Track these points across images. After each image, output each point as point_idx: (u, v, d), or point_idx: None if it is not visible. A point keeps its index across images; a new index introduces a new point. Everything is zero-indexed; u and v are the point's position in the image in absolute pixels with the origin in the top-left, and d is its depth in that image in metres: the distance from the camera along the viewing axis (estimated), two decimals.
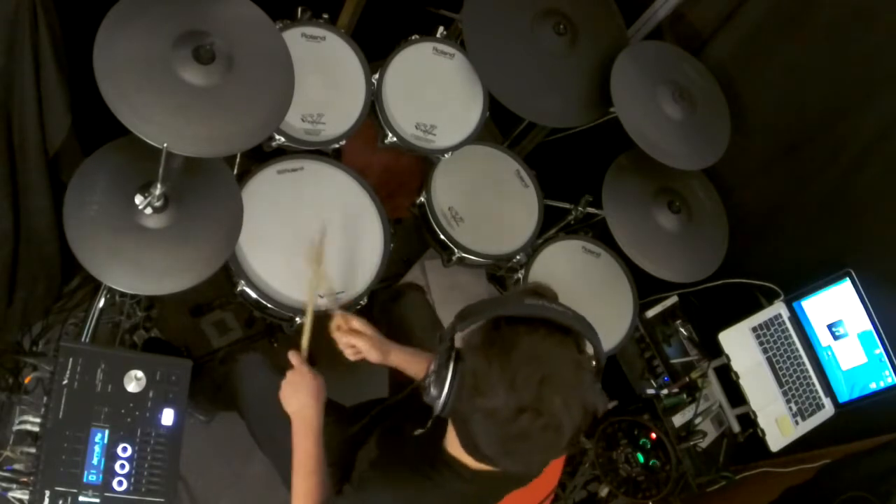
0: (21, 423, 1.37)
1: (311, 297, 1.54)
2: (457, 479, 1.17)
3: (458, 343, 1.07)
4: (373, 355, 1.49)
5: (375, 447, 1.41)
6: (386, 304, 1.77)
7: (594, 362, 1.08)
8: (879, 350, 1.99)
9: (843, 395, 2.11)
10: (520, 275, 1.98)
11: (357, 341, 1.49)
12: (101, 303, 1.68)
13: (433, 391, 1.07)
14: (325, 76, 1.80)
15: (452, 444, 1.17)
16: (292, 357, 1.46)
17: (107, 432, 1.38)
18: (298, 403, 1.40)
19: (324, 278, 1.59)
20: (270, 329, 2.15)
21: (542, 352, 1.01)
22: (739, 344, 2.10)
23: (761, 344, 2.11)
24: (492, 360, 1.01)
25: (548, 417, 0.99)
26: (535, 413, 0.99)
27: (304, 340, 1.51)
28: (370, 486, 1.23)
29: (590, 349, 1.08)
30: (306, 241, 1.73)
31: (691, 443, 2.02)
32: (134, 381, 1.42)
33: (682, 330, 2.14)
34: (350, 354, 1.51)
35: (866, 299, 1.99)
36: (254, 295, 1.65)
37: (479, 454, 1.09)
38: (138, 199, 1.44)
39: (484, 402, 1.01)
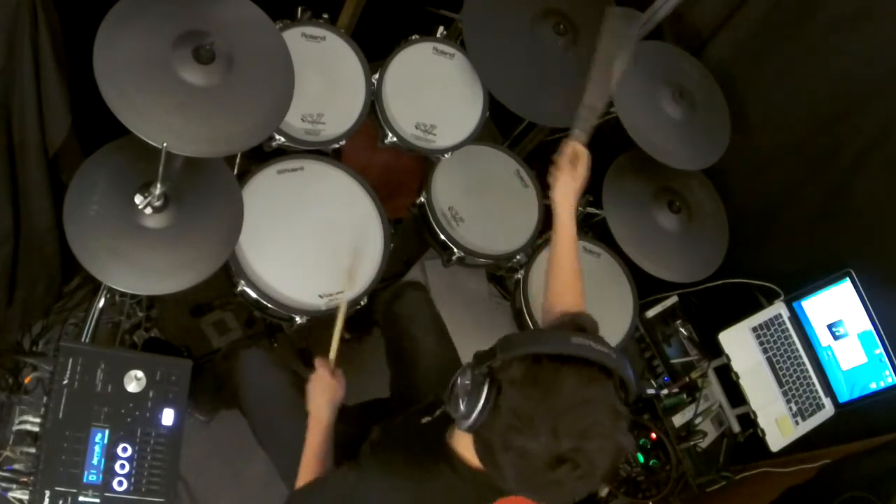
0: (21, 423, 1.37)
1: (341, 312, 1.59)
2: (455, 476, 1.16)
3: (495, 369, 1.03)
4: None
5: (378, 434, 1.41)
6: (386, 303, 1.77)
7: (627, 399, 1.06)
8: (879, 350, 1.99)
9: (844, 395, 2.11)
10: (520, 275, 1.98)
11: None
12: (101, 303, 1.68)
13: (462, 409, 1.04)
14: (325, 76, 1.80)
15: (458, 442, 1.16)
16: (318, 364, 1.51)
17: (107, 432, 1.38)
18: (315, 403, 1.47)
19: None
20: (270, 329, 2.15)
21: (586, 398, 0.98)
22: (739, 344, 2.10)
23: (761, 344, 2.11)
24: (534, 400, 0.98)
25: (585, 468, 0.97)
26: (574, 465, 0.97)
27: (333, 351, 1.55)
28: (369, 471, 1.22)
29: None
30: (306, 241, 1.73)
31: (691, 443, 2.02)
32: (134, 381, 1.42)
33: (682, 330, 2.14)
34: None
35: (866, 299, 1.99)
36: (254, 295, 1.65)
37: (501, 481, 1.06)
38: (138, 199, 1.44)
39: (520, 440, 0.98)
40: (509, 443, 1.00)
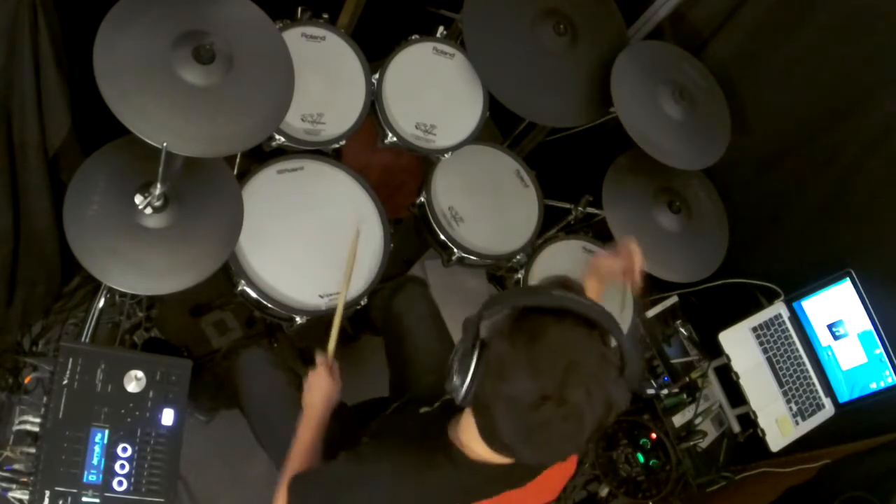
0: (21, 423, 1.36)
1: (341, 302, 1.62)
2: (453, 467, 1.16)
3: (483, 332, 1.05)
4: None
5: (377, 427, 1.42)
6: (386, 299, 1.77)
7: (619, 358, 1.07)
8: (879, 350, 1.99)
9: (844, 395, 2.11)
10: (520, 275, 1.98)
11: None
12: (101, 303, 1.69)
13: (456, 379, 1.05)
14: (325, 76, 1.80)
15: (460, 430, 1.16)
16: (318, 357, 1.53)
17: (107, 432, 1.38)
18: (310, 400, 1.48)
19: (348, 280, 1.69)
20: (270, 329, 2.15)
21: (569, 341, 1.01)
22: (739, 344, 2.10)
23: (761, 344, 2.11)
24: (517, 346, 1.01)
25: (570, 407, 0.98)
26: (559, 401, 0.98)
27: (332, 342, 1.57)
28: (369, 459, 1.22)
29: (615, 344, 1.07)
30: (306, 241, 1.73)
31: (691, 443, 2.02)
32: (134, 381, 1.42)
33: (682, 330, 2.14)
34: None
35: (866, 299, 1.99)
36: (254, 295, 1.65)
37: (497, 443, 1.07)
38: (138, 199, 1.44)
39: (507, 387, 1.00)
40: (498, 393, 1.01)
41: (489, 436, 1.07)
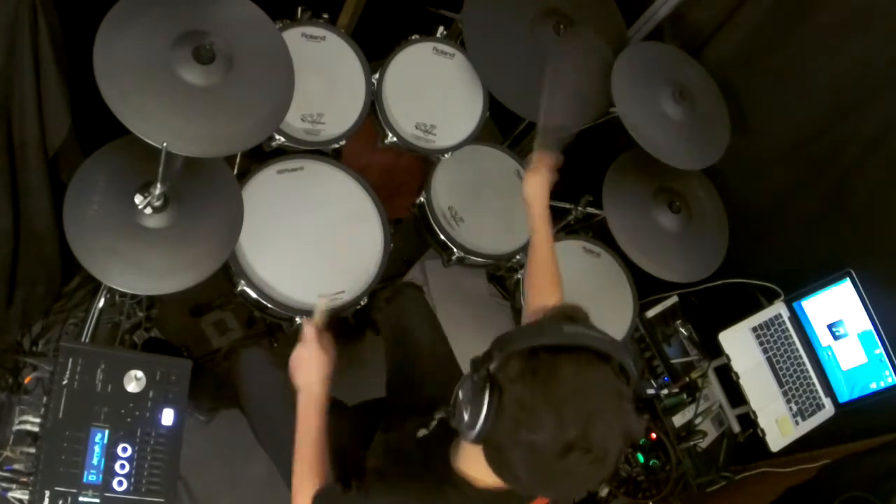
0: (21, 423, 1.36)
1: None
2: (462, 498, 1.15)
3: (494, 371, 1.03)
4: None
5: (380, 450, 1.40)
6: (384, 303, 1.77)
7: (627, 381, 1.06)
8: (879, 350, 1.99)
9: (844, 395, 2.11)
10: (520, 275, 1.99)
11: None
12: (101, 303, 1.69)
13: (467, 418, 1.03)
14: (325, 76, 1.80)
15: (466, 464, 1.15)
16: (306, 327, 1.47)
17: (107, 432, 1.38)
18: (305, 379, 1.42)
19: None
20: (270, 329, 2.15)
21: (586, 383, 0.99)
22: (739, 344, 2.10)
23: (761, 344, 2.11)
24: (535, 391, 0.99)
25: (595, 453, 0.97)
26: (584, 450, 0.97)
27: (318, 313, 1.51)
28: (377, 497, 1.19)
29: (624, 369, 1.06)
30: (306, 241, 1.74)
31: (691, 443, 2.02)
32: (134, 381, 1.42)
33: (682, 330, 2.14)
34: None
35: (866, 299, 1.99)
36: (254, 295, 1.65)
37: (513, 481, 1.06)
38: (138, 199, 1.44)
39: (529, 435, 0.98)
40: (517, 439, 0.99)
41: (506, 475, 1.06)
